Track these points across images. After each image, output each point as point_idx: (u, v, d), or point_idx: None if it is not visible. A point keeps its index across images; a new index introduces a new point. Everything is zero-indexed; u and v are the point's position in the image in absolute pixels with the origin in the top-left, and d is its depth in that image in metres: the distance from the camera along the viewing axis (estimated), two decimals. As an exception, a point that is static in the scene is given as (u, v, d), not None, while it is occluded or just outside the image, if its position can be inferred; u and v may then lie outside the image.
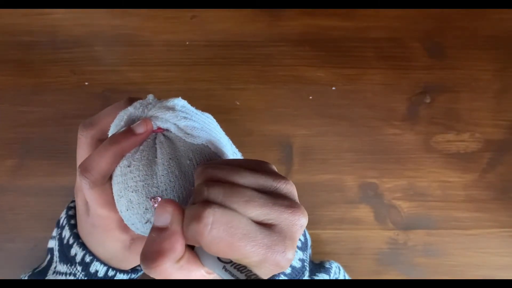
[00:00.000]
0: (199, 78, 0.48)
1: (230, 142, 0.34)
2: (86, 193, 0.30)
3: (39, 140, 0.47)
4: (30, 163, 0.46)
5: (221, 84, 0.48)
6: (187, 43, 0.49)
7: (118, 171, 0.28)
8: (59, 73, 0.48)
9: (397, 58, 0.49)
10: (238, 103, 0.48)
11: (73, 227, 0.34)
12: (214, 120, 0.32)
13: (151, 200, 0.27)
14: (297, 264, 0.30)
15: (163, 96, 0.48)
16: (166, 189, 0.27)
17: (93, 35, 0.49)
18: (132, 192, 0.27)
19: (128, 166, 0.28)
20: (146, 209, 0.27)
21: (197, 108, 0.31)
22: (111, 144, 0.28)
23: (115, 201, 0.29)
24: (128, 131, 0.28)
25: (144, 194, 0.27)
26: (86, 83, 0.48)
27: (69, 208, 0.36)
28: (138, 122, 0.28)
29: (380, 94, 0.48)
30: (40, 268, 0.36)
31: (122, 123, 0.30)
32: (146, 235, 0.29)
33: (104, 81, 0.48)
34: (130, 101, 0.31)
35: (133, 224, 0.29)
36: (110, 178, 0.30)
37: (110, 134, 0.31)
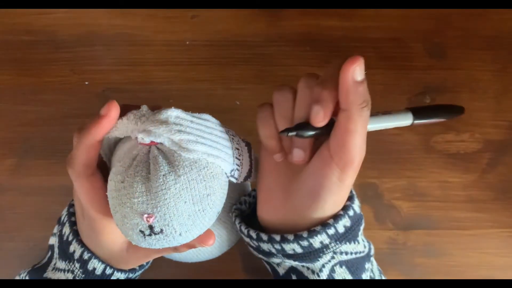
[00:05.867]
0: (199, 78, 0.48)
1: (232, 138, 0.33)
2: (76, 186, 0.30)
3: (39, 140, 0.47)
4: (29, 162, 0.46)
5: (221, 84, 0.48)
6: (187, 43, 0.49)
7: (112, 186, 0.28)
8: (59, 72, 0.48)
9: (397, 58, 0.49)
10: (238, 103, 0.48)
11: (74, 224, 0.34)
12: (213, 120, 0.31)
13: (144, 217, 0.27)
14: (357, 210, 0.31)
15: (163, 96, 0.48)
16: (160, 206, 0.27)
17: (93, 34, 0.49)
18: (126, 208, 0.27)
19: (122, 182, 0.27)
20: (140, 225, 0.27)
21: (197, 108, 0.31)
22: (83, 134, 0.28)
23: (112, 213, 0.29)
24: (95, 116, 0.28)
25: (138, 211, 0.27)
26: (86, 83, 0.48)
27: (70, 206, 0.36)
28: (104, 105, 0.28)
29: (380, 94, 0.48)
30: (40, 265, 0.36)
31: (113, 136, 0.29)
32: (142, 246, 0.29)
33: (104, 80, 0.48)
34: (124, 108, 0.31)
35: (129, 237, 0.29)
36: (104, 172, 0.30)
37: (104, 144, 0.30)
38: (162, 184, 0.26)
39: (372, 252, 0.35)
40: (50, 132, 0.47)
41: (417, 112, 0.32)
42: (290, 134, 0.28)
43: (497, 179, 0.47)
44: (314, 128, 0.28)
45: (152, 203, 0.27)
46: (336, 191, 0.29)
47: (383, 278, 0.36)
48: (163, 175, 0.27)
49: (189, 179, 0.27)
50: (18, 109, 0.47)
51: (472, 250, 0.46)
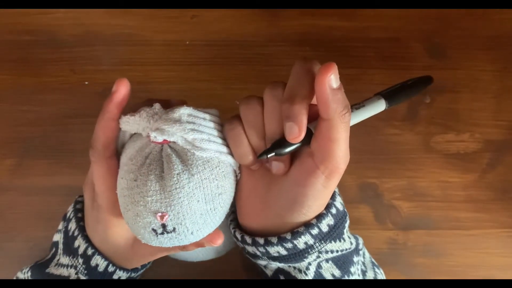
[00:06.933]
0: (199, 78, 0.48)
1: None
2: (93, 169, 0.30)
3: (38, 140, 0.47)
4: (29, 162, 0.46)
5: (221, 84, 0.48)
6: (187, 43, 0.49)
7: (124, 184, 0.28)
8: (59, 72, 0.48)
9: (397, 58, 0.49)
10: (238, 103, 0.48)
11: (80, 220, 0.35)
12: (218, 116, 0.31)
13: (157, 215, 0.27)
14: (340, 207, 0.31)
15: (163, 95, 0.48)
16: (174, 205, 0.27)
17: (93, 34, 0.49)
18: (139, 206, 0.27)
19: (135, 180, 0.27)
20: (153, 223, 0.27)
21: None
22: (100, 114, 0.29)
23: (122, 212, 0.29)
24: (109, 95, 0.29)
25: (152, 210, 0.27)
26: (86, 83, 0.48)
27: (76, 202, 0.36)
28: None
29: (380, 94, 0.48)
30: (43, 261, 0.36)
31: (127, 134, 0.30)
32: (153, 245, 0.29)
33: (104, 80, 0.48)
34: (136, 106, 0.31)
35: (139, 236, 0.29)
36: (117, 157, 0.30)
37: (119, 143, 0.31)
38: (177, 183, 0.27)
39: (361, 246, 0.35)
40: (50, 132, 0.47)
41: (389, 96, 0.31)
42: (269, 156, 0.28)
43: (497, 179, 0.47)
44: (291, 144, 0.27)
45: (166, 202, 0.27)
46: (321, 197, 0.29)
47: (377, 270, 0.36)
48: (177, 174, 0.27)
49: (202, 178, 0.27)
50: (18, 108, 0.47)
51: (472, 250, 0.46)
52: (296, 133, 0.26)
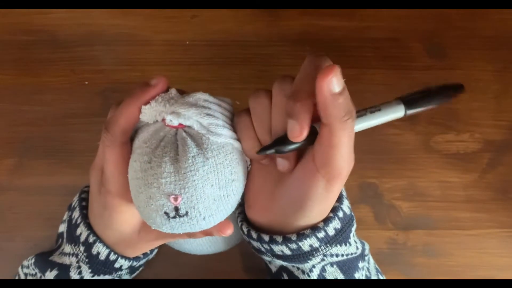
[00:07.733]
0: (199, 78, 0.48)
1: None
2: (105, 153, 0.30)
3: (38, 139, 0.47)
4: (29, 162, 0.46)
5: (221, 84, 0.48)
6: (187, 43, 0.49)
7: (137, 166, 0.28)
8: (59, 72, 0.48)
9: (397, 58, 0.49)
10: (238, 103, 0.48)
11: (83, 208, 0.34)
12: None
13: (171, 198, 0.27)
14: (347, 211, 0.31)
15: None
16: (188, 187, 0.27)
17: (93, 34, 0.49)
18: (153, 188, 0.27)
19: (149, 162, 0.27)
20: (166, 206, 0.27)
21: None
22: (127, 98, 0.29)
23: (133, 196, 0.29)
24: (143, 83, 0.29)
25: (165, 192, 0.27)
26: (86, 83, 0.48)
27: (82, 192, 0.36)
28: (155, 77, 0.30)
29: (380, 94, 0.48)
30: (48, 251, 0.37)
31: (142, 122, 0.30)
32: (164, 231, 0.28)
33: (104, 80, 0.48)
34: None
35: (150, 220, 0.28)
36: (131, 141, 0.30)
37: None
38: (191, 165, 0.27)
39: (367, 251, 0.34)
40: (50, 132, 0.47)
41: (410, 102, 0.29)
42: (268, 152, 0.27)
43: (497, 179, 0.47)
44: (293, 142, 0.26)
45: (180, 184, 0.26)
46: (323, 201, 0.28)
47: (380, 277, 0.36)
48: (192, 157, 0.27)
49: (216, 162, 0.27)
50: (18, 109, 0.47)
51: (472, 250, 0.46)
52: (297, 132, 0.25)
